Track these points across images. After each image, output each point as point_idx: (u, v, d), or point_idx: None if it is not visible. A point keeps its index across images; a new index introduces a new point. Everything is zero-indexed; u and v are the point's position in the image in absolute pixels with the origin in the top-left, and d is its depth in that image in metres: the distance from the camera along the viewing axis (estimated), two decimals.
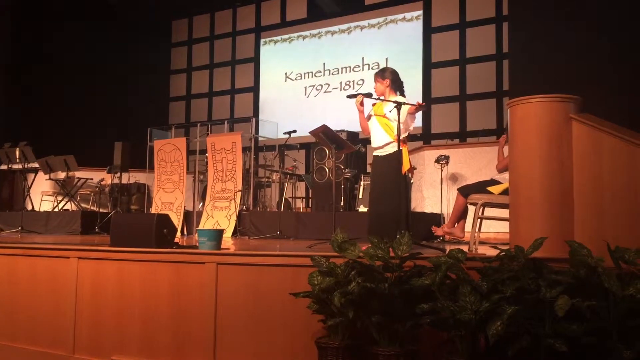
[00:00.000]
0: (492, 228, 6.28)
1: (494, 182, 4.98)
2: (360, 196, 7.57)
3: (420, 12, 11.33)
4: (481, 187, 4.93)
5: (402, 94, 4.94)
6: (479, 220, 4.38)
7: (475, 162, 7.41)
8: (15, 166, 9.39)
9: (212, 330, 3.64)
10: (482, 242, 4.72)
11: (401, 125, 4.60)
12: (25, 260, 4.53)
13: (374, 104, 5.03)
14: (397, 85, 4.91)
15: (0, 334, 4.55)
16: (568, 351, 2.43)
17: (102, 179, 9.76)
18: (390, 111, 4.73)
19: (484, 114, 10.33)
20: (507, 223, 3.43)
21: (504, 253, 2.88)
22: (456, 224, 5.38)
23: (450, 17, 11.00)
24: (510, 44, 9.43)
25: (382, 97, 4.87)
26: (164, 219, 4.16)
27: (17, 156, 9.15)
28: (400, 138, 4.64)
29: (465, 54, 10.81)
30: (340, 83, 12.13)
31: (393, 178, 4.68)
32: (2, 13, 10.77)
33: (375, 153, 4.97)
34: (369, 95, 4.90)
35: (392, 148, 4.74)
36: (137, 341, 3.92)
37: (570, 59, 7.94)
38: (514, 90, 8.82)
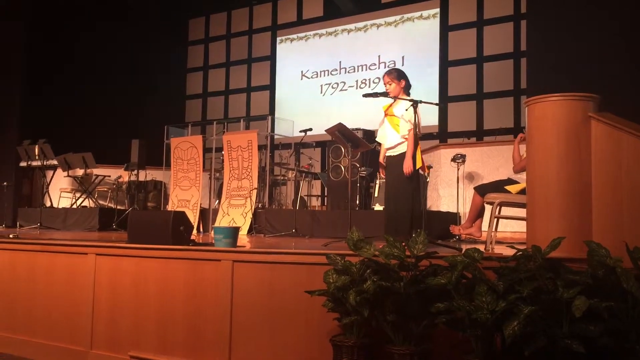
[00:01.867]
0: (509, 227, 6.24)
1: (511, 181, 4.95)
2: (376, 194, 7.56)
3: (438, 10, 11.28)
4: (498, 186, 4.90)
5: (409, 95, 4.98)
6: (495, 219, 4.35)
7: (492, 161, 7.37)
8: (35, 163, 9.51)
9: (227, 327, 3.66)
10: (498, 242, 4.69)
11: (412, 124, 4.65)
12: (44, 256, 4.58)
13: (389, 105, 5.06)
14: (408, 86, 4.98)
15: (19, 329, 4.61)
16: (585, 352, 2.41)
17: (120, 176, 9.85)
18: (406, 109, 4.74)
19: (501, 112, 10.26)
20: (524, 222, 3.40)
21: (520, 253, 2.86)
22: (473, 224, 5.35)
23: (468, 14, 10.94)
24: (528, 42, 9.35)
25: (397, 97, 4.91)
26: (181, 216, 4.19)
27: (36, 153, 9.28)
28: (407, 136, 4.72)
29: (483, 52, 10.74)
30: (357, 81, 12.11)
31: (405, 177, 4.72)
32: (21, 13, 10.90)
33: (388, 153, 5.02)
34: (385, 94, 4.92)
35: (404, 147, 4.81)
36: (153, 337, 3.95)
37: (589, 57, 7.86)
38: (532, 88, 8.74)
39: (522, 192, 4.21)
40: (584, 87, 3.38)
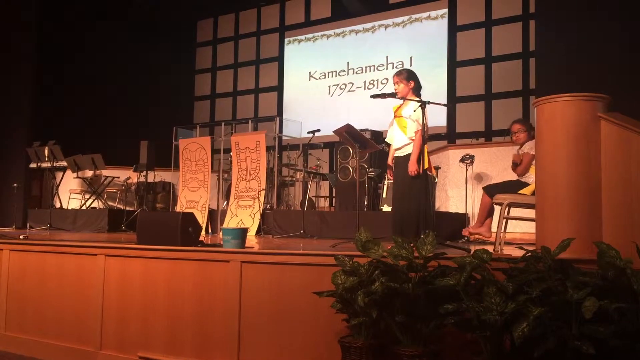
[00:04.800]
0: (518, 228, 6.21)
1: (520, 182, 4.94)
2: (384, 195, 7.55)
3: (446, 10, 11.25)
4: (507, 186, 4.89)
5: (419, 97, 4.95)
6: (504, 220, 4.34)
7: (501, 162, 7.33)
8: (44, 164, 9.57)
9: (236, 328, 3.67)
10: (507, 243, 4.67)
11: (419, 125, 4.65)
12: (54, 257, 4.61)
13: (399, 106, 5.05)
14: (418, 87, 4.95)
15: (30, 330, 4.64)
16: (595, 354, 2.39)
17: (129, 178, 9.89)
18: (414, 110, 4.73)
19: (510, 113, 10.19)
20: (534, 223, 3.39)
21: (530, 254, 2.85)
22: (483, 224, 5.34)
23: (476, 15, 10.90)
24: (537, 42, 9.31)
25: (405, 98, 4.91)
26: (189, 218, 4.20)
27: (46, 155, 9.33)
28: (413, 137, 4.72)
29: (491, 52, 10.70)
30: (364, 82, 12.10)
31: (413, 178, 4.72)
32: (28, 14, 10.96)
33: (396, 154, 5.02)
34: (393, 95, 4.92)
35: (411, 148, 4.82)
36: (162, 338, 3.96)
37: (598, 57, 7.82)
38: (541, 89, 8.70)
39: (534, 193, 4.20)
40: (593, 87, 3.37)
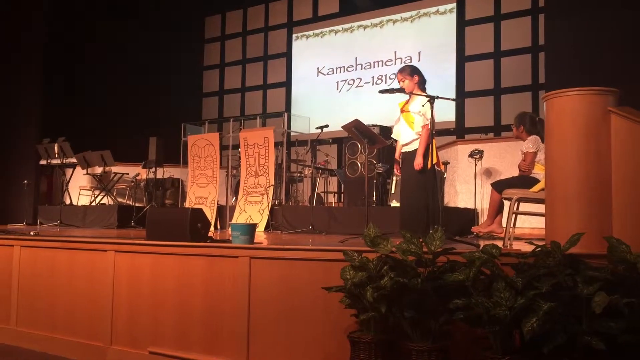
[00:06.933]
0: (527, 223, 6.17)
1: (527, 178, 4.91)
2: (393, 191, 7.53)
3: (454, 4, 11.20)
4: (515, 181, 4.87)
5: (425, 91, 4.94)
6: (513, 215, 4.32)
7: (510, 157, 7.30)
8: (54, 161, 9.63)
9: (245, 323, 3.68)
10: (517, 238, 4.65)
11: (427, 120, 4.63)
12: (64, 253, 4.64)
13: (405, 102, 5.04)
14: (423, 81, 4.93)
15: (40, 325, 4.68)
16: (606, 349, 2.38)
17: (138, 174, 9.94)
18: (423, 105, 4.72)
19: (519, 107, 10.11)
20: (543, 218, 3.37)
21: (539, 249, 2.84)
22: (493, 220, 5.33)
23: (485, 9, 10.85)
24: (547, 36, 9.26)
25: (412, 93, 4.89)
26: (198, 214, 4.21)
27: (56, 151, 9.38)
28: (421, 132, 4.70)
29: (500, 46, 10.65)
30: (373, 77, 12.08)
31: (420, 173, 4.71)
32: (37, 13, 11.01)
33: (403, 150, 5.02)
34: (402, 90, 4.90)
35: (418, 144, 4.81)
36: (172, 333, 3.98)
37: (608, 50, 7.76)
38: (550, 83, 8.66)
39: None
40: (604, 81, 3.34)
